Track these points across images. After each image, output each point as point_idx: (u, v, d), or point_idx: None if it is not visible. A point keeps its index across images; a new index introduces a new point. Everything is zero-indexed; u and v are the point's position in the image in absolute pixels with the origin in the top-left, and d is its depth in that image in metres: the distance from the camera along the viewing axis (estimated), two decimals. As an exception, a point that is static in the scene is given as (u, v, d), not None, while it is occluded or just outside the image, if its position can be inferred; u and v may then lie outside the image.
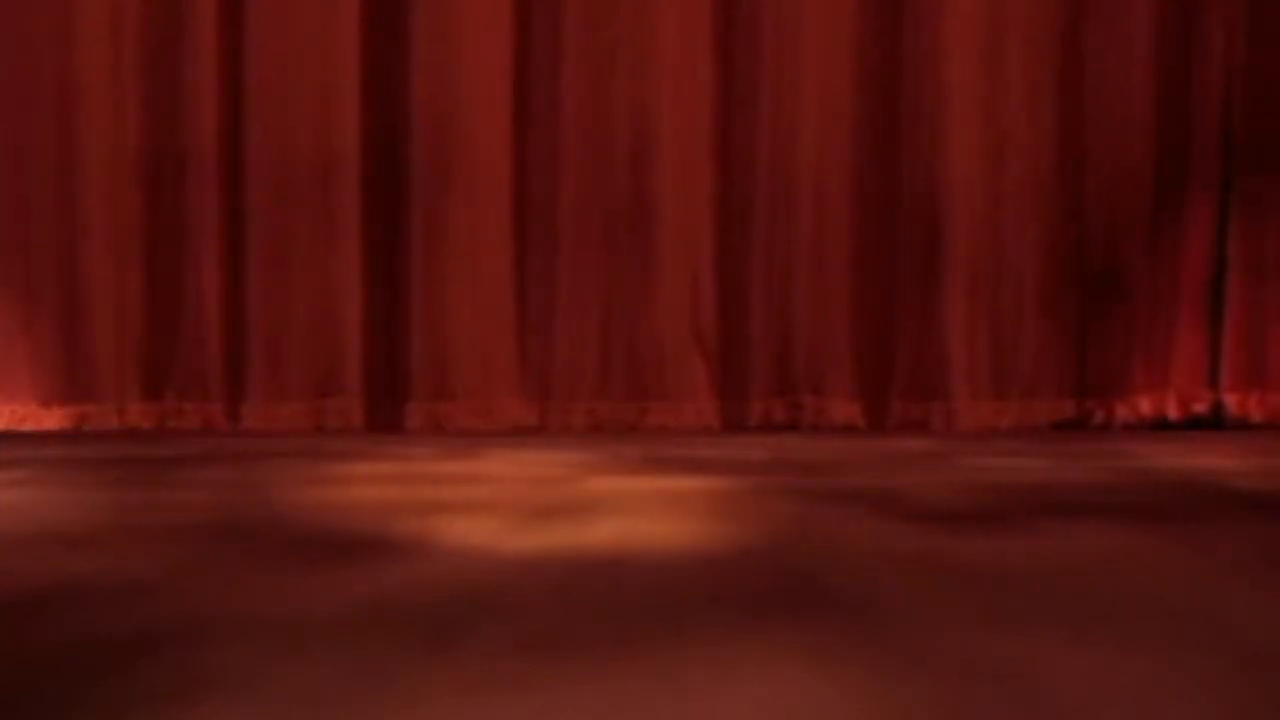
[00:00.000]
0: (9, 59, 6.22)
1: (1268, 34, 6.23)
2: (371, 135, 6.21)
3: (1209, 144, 6.23)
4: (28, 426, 6.20)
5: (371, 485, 3.27)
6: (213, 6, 6.18)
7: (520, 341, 6.24)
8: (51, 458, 4.37)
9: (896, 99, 6.23)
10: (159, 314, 6.19)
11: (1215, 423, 6.18)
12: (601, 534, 2.19)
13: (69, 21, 6.21)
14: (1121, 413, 6.23)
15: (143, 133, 6.18)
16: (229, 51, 6.18)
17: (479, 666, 1.20)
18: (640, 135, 6.25)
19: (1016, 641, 1.30)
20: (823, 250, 6.24)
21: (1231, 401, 6.22)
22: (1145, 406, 6.23)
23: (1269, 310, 6.23)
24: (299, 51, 6.18)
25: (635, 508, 2.62)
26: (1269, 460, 4.27)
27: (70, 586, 1.68)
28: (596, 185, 6.23)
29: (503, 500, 2.85)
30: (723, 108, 6.26)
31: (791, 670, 1.17)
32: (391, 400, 6.22)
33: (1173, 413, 6.23)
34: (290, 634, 1.35)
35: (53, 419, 6.23)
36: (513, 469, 3.76)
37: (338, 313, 6.21)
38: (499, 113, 6.21)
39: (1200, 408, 6.23)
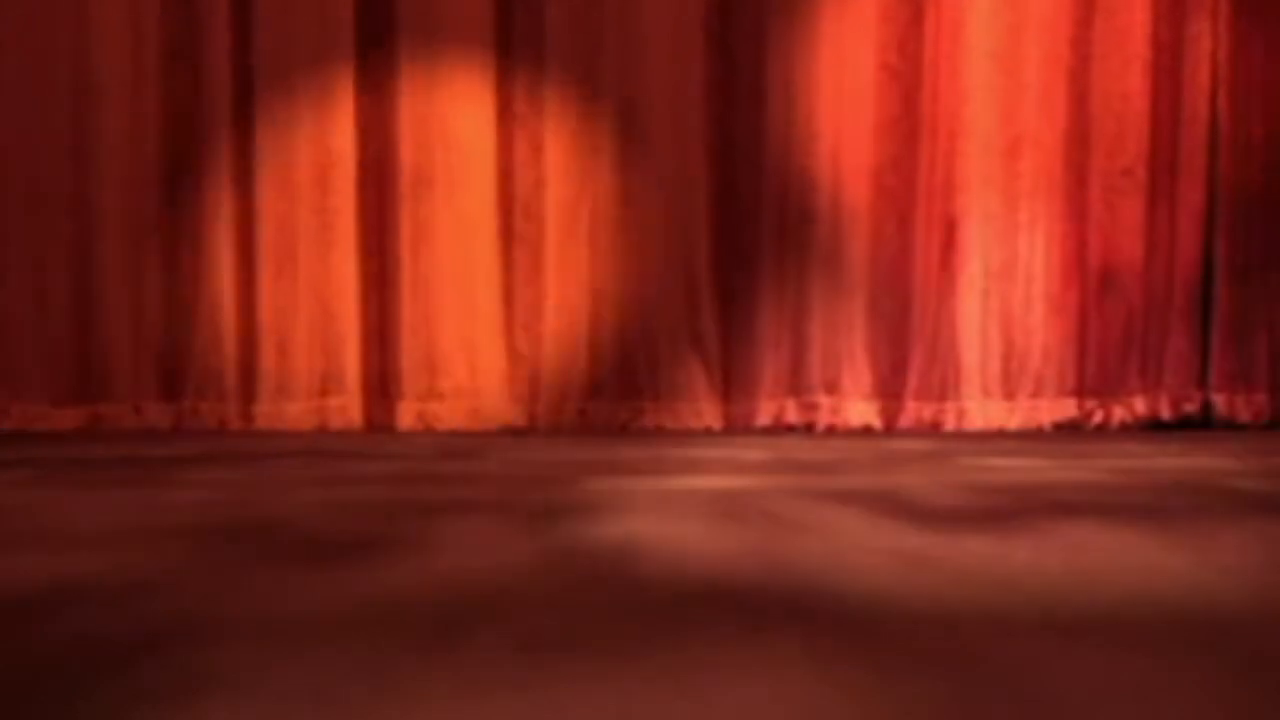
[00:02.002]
0: (26, 60, 6.22)
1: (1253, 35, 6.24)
2: (365, 137, 6.22)
3: (1197, 145, 6.24)
4: (39, 426, 6.16)
5: (372, 485, 3.27)
6: (225, 9, 6.19)
7: (508, 341, 6.22)
8: (54, 457, 4.37)
9: (915, 96, 6.22)
10: (176, 313, 6.19)
11: (1204, 422, 6.19)
12: (601, 534, 2.19)
13: (86, 22, 6.21)
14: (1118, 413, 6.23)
15: (159, 132, 6.18)
16: (239, 50, 6.20)
17: (479, 666, 1.20)
18: (631, 131, 6.23)
19: (1016, 641, 1.30)
20: (839, 248, 6.22)
21: (1220, 401, 6.23)
22: (1140, 406, 6.24)
23: (1256, 312, 6.24)
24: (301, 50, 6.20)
25: (635, 508, 2.62)
26: (1267, 460, 4.27)
27: (70, 586, 1.68)
28: (581, 182, 6.22)
29: (503, 500, 2.85)
30: (720, 100, 6.24)
31: (791, 670, 1.17)
32: (385, 400, 6.23)
33: (1165, 412, 6.24)
34: (290, 634, 1.35)
35: (65, 419, 6.19)
36: (512, 469, 3.76)
37: (338, 312, 6.22)
38: (484, 111, 6.21)
39: (1190, 407, 6.25)
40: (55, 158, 6.21)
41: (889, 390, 6.19)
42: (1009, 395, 6.20)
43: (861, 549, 2.05)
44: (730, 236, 6.25)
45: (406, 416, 6.23)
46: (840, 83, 6.21)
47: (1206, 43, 6.23)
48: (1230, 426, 6.14)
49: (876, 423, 6.15)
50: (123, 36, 6.20)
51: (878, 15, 6.22)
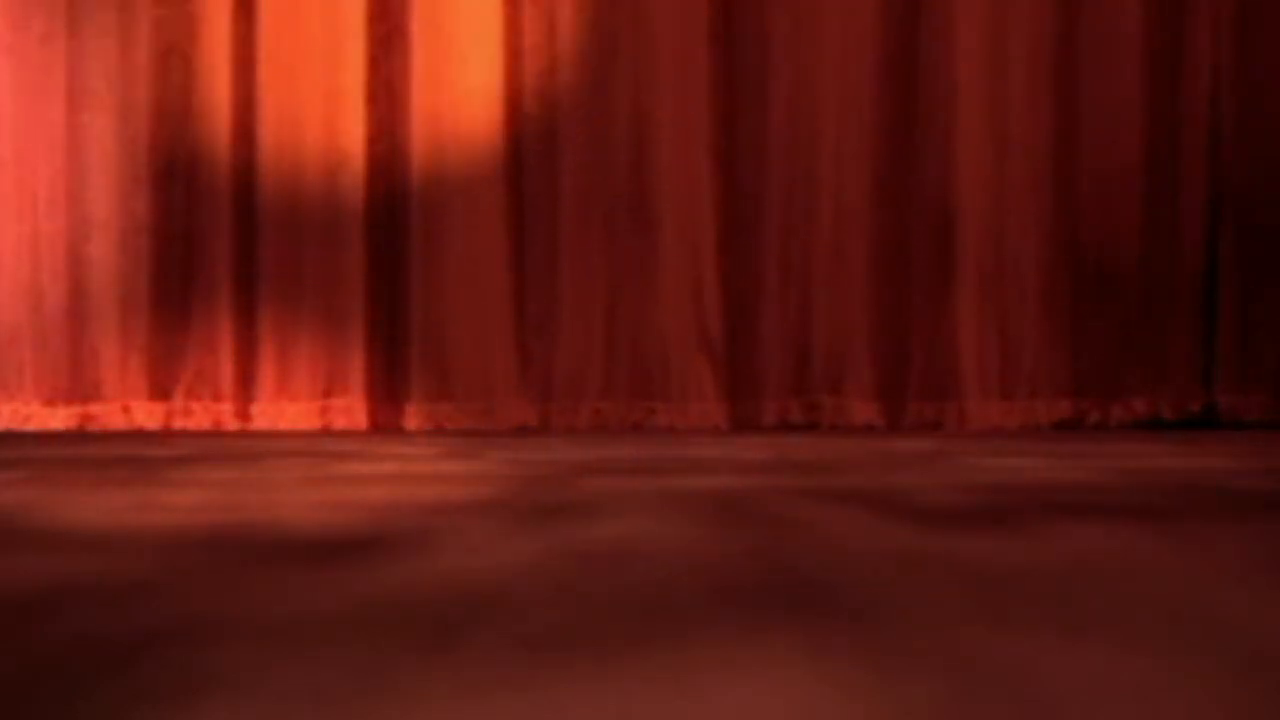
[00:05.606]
0: (20, 58, 6.21)
1: (1254, 33, 6.21)
2: (374, 137, 6.22)
3: (1198, 143, 6.23)
4: (31, 427, 6.17)
5: (372, 485, 3.27)
6: (226, 11, 6.18)
7: (520, 342, 6.22)
8: (53, 457, 4.37)
9: (913, 97, 6.21)
10: (169, 313, 6.18)
11: (1209, 422, 6.18)
12: (602, 534, 2.19)
13: (81, 22, 6.20)
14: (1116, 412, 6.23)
15: (153, 133, 6.17)
16: (240, 58, 6.18)
17: (479, 666, 1.20)
18: (640, 133, 6.23)
19: (1016, 641, 1.29)
20: (841, 248, 6.21)
21: (1225, 401, 6.22)
22: (1140, 406, 6.23)
23: (1261, 310, 6.22)
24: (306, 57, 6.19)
25: (636, 508, 2.62)
26: (1268, 460, 4.27)
27: (70, 586, 1.68)
28: (596, 184, 6.23)
29: (503, 500, 2.85)
30: (725, 104, 6.24)
31: (791, 670, 1.17)
32: (392, 401, 6.23)
33: (1167, 413, 6.23)
34: (290, 634, 1.35)
35: (56, 419, 6.19)
36: (513, 469, 3.76)
37: (345, 312, 6.21)
38: (494, 111, 6.21)
39: (1195, 407, 6.24)
40: (48, 156, 6.20)
41: (892, 390, 6.20)
42: (1006, 395, 6.21)
43: (861, 549, 2.05)
44: (735, 235, 6.26)
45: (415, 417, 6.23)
46: (841, 78, 6.21)
47: (1206, 40, 6.20)
48: (1237, 426, 6.13)
49: (879, 422, 6.15)
50: (115, 35, 6.20)
51: (875, 5, 6.22)
